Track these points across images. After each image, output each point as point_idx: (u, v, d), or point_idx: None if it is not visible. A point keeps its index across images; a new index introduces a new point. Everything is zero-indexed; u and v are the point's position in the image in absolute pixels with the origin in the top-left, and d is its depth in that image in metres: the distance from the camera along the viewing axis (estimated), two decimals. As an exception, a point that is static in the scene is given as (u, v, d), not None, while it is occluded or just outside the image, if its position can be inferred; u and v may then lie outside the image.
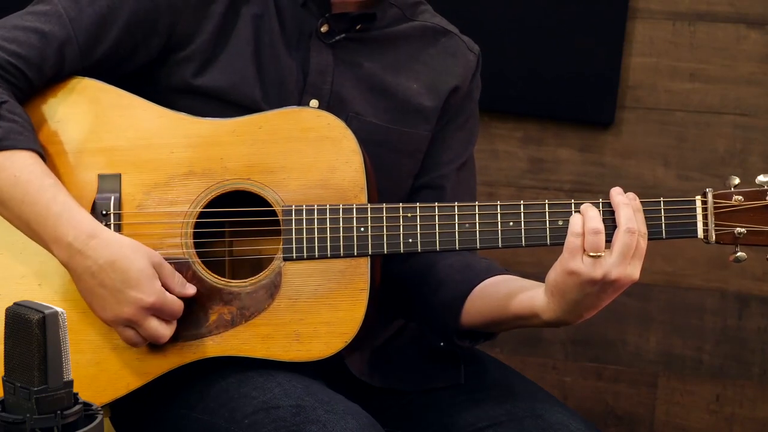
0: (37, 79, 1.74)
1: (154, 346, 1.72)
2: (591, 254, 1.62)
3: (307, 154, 1.75)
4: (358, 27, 1.88)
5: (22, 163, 1.69)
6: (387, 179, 1.83)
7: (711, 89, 2.67)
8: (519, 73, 2.67)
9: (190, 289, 1.71)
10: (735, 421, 2.74)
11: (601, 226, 1.64)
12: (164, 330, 1.69)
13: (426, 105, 1.92)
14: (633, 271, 1.64)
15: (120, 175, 1.76)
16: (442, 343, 1.94)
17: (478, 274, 1.84)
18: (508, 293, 1.76)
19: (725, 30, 2.65)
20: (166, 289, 1.69)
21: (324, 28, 1.85)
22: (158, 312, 1.68)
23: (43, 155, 1.72)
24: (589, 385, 2.78)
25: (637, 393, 2.76)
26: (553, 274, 1.66)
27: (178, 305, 1.69)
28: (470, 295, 1.82)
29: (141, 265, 1.67)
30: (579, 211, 1.68)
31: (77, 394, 1.20)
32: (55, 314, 1.16)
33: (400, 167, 1.92)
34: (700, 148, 2.69)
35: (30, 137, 1.71)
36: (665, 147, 2.69)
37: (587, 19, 2.64)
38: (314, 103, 1.85)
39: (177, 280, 1.71)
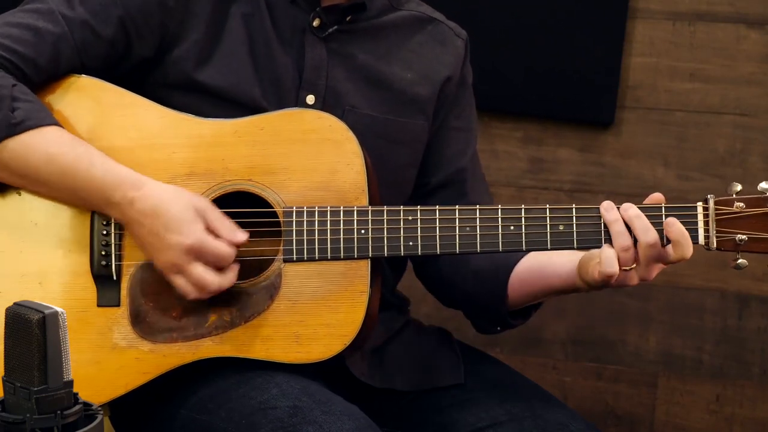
0: (34, 75, 1.74)
1: (153, 347, 1.72)
2: (624, 268, 1.69)
3: (308, 155, 1.75)
4: (348, 18, 1.89)
5: (51, 138, 1.71)
6: (385, 170, 1.83)
7: (711, 89, 2.66)
8: (519, 73, 2.67)
9: (240, 236, 1.70)
10: (735, 421, 2.73)
11: (629, 242, 1.69)
12: (211, 276, 1.68)
13: (421, 94, 1.93)
14: (656, 270, 1.73)
15: None
16: (498, 328, 2.00)
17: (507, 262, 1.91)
18: (545, 281, 1.85)
19: (725, 30, 2.64)
20: (215, 234, 1.69)
21: (316, 23, 1.86)
22: (199, 255, 1.68)
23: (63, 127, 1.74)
24: (589, 385, 2.78)
25: (637, 393, 2.76)
26: (590, 276, 1.73)
27: (224, 249, 1.68)
28: (509, 284, 1.89)
29: (180, 208, 1.68)
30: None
31: (77, 394, 1.20)
32: (55, 314, 1.16)
33: (397, 158, 1.92)
34: (700, 148, 2.69)
35: (49, 114, 1.73)
36: (665, 147, 2.69)
37: (587, 19, 2.64)
38: (311, 98, 1.85)
39: (226, 224, 1.70)
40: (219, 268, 1.69)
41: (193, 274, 1.68)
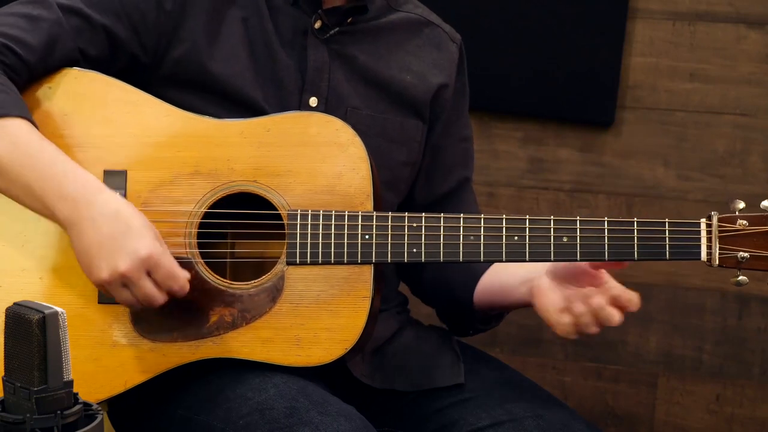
0: (31, 59, 1.74)
1: (154, 345, 1.72)
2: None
3: (314, 159, 1.75)
4: (349, 20, 1.89)
5: (18, 129, 1.69)
6: (383, 169, 1.84)
7: (711, 89, 2.66)
8: (519, 73, 2.67)
9: (186, 274, 1.67)
10: (735, 421, 2.74)
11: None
12: (158, 293, 1.66)
13: (417, 97, 1.95)
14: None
15: (126, 171, 1.76)
16: (471, 331, 2.05)
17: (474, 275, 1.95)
18: (503, 300, 1.92)
19: (725, 30, 2.64)
20: None
21: (317, 24, 1.86)
22: (153, 269, 1.65)
23: (35, 123, 1.72)
24: (589, 385, 2.78)
25: (637, 393, 2.76)
26: (547, 308, 1.78)
27: (177, 269, 1.66)
28: (475, 297, 1.94)
29: (145, 222, 1.66)
30: None
31: (77, 393, 1.20)
32: (55, 314, 1.16)
33: (395, 156, 1.93)
34: (700, 148, 2.69)
35: (23, 107, 1.71)
36: (665, 147, 2.69)
37: (587, 19, 2.64)
38: (314, 101, 1.86)
39: (172, 260, 1.67)
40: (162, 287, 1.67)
41: (143, 288, 1.65)
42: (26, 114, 1.71)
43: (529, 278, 1.80)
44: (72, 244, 1.68)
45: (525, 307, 1.86)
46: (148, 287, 1.65)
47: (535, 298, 1.78)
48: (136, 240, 1.64)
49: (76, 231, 1.66)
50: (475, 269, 1.95)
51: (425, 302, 2.11)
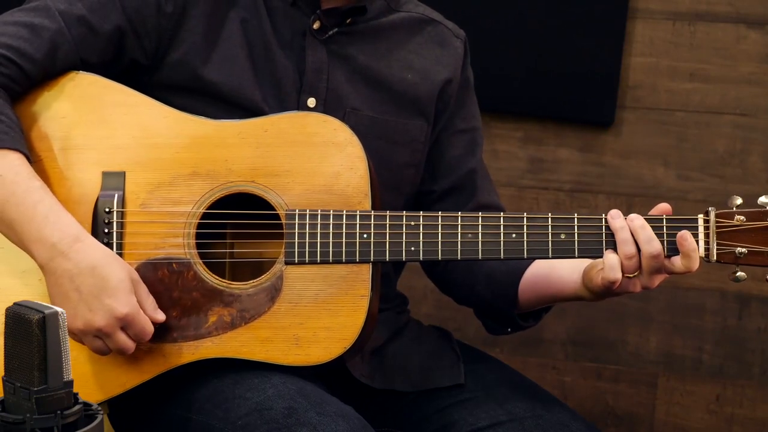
0: (32, 70, 1.74)
1: (153, 346, 1.72)
2: (627, 275, 1.71)
3: (312, 158, 1.75)
4: (348, 21, 1.89)
5: (8, 164, 1.68)
6: (385, 171, 1.84)
7: (711, 89, 2.66)
8: (519, 73, 2.67)
9: (160, 315, 1.71)
10: (735, 421, 2.74)
11: (633, 250, 1.70)
12: (131, 343, 1.69)
13: (421, 95, 1.94)
14: (658, 280, 1.74)
15: (124, 173, 1.76)
16: (509, 329, 2.02)
17: (519, 266, 1.93)
18: (552, 289, 1.87)
19: (725, 30, 2.64)
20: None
21: (316, 25, 1.86)
22: (128, 325, 1.67)
23: (30, 157, 1.72)
24: (589, 385, 2.78)
25: (637, 393, 2.76)
26: (593, 283, 1.74)
27: (149, 326, 1.69)
28: (519, 288, 1.91)
29: (121, 275, 1.67)
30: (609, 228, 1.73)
31: (77, 393, 1.20)
32: (55, 314, 1.17)
33: (397, 158, 1.93)
34: (700, 148, 2.69)
35: (16, 138, 1.70)
36: (665, 147, 2.69)
37: (587, 19, 2.64)
38: (312, 101, 1.86)
39: (150, 302, 1.71)
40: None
41: (117, 341, 1.67)
42: (20, 146, 1.70)
43: (582, 267, 1.80)
44: (47, 286, 1.69)
45: (571, 297, 1.85)
46: (122, 340, 1.68)
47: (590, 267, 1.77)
48: (113, 298, 1.66)
49: (53, 279, 1.67)
50: (519, 262, 1.93)
51: (459, 300, 2.08)
